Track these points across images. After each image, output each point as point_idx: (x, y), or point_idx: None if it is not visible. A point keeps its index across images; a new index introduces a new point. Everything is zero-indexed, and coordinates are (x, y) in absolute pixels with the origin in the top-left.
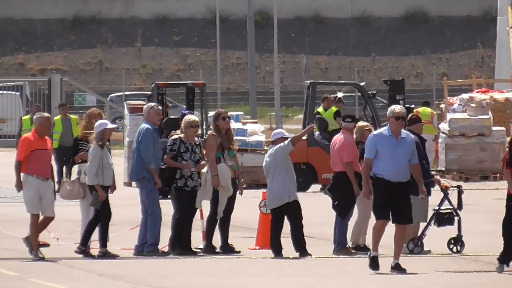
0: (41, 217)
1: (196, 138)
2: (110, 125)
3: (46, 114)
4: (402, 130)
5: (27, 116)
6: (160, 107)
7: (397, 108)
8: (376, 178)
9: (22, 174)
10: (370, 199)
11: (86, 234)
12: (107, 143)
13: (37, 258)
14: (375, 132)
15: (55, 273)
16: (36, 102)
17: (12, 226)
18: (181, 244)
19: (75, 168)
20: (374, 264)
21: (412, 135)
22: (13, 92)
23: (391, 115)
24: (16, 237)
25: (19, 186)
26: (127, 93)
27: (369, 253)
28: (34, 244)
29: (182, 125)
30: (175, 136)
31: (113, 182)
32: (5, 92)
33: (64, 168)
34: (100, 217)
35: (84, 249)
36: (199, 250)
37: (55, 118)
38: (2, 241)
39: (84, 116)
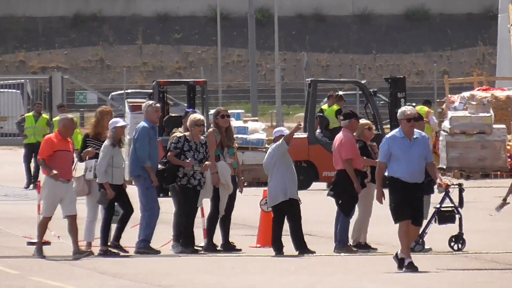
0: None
1: (201, 137)
2: (121, 123)
3: (70, 116)
4: (415, 130)
5: (30, 114)
6: (158, 105)
7: (407, 110)
8: (392, 179)
9: (43, 176)
10: (382, 203)
11: (118, 231)
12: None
13: (40, 256)
14: (388, 135)
15: (56, 271)
16: (37, 100)
17: (13, 224)
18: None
19: (82, 165)
20: (412, 268)
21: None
22: (14, 90)
23: (402, 117)
24: (17, 235)
25: (54, 175)
26: (128, 91)
27: (405, 262)
28: (38, 243)
29: (187, 123)
30: (180, 134)
31: (124, 182)
32: (6, 90)
33: None
34: (129, 213)
35: (117, 244)
36: (200, 248)
37: (54, 119)
38: (3, 239)
39: (95, 114)
